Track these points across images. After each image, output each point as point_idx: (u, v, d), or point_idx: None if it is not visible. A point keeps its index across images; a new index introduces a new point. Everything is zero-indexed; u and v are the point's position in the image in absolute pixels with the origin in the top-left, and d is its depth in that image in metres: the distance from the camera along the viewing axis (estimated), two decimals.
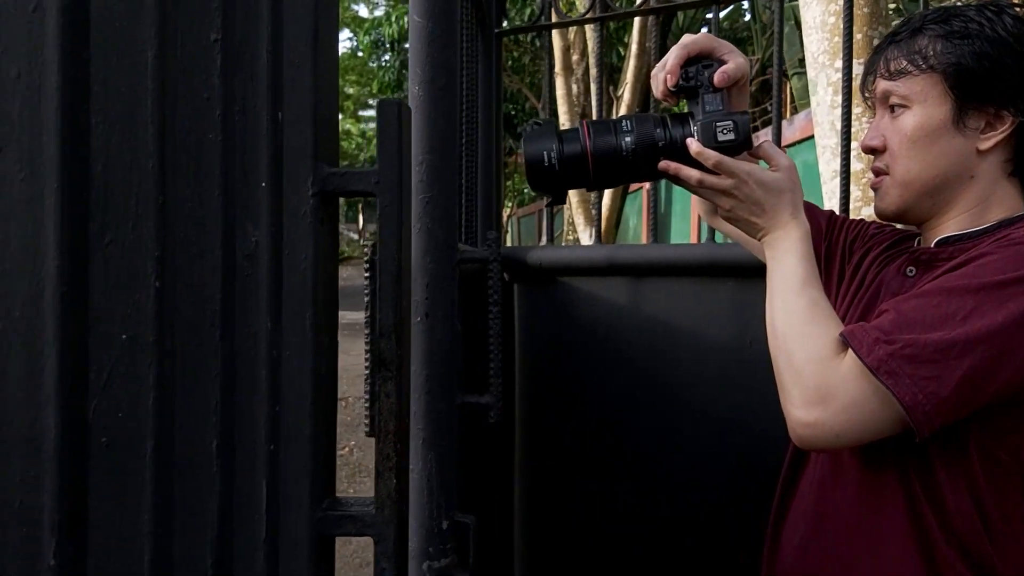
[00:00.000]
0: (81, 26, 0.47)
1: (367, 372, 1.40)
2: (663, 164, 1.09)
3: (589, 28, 9.80)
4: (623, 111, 9.91)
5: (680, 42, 1.12)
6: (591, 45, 10.45)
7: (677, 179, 1.09)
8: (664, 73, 1.12)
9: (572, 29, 10.46)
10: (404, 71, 15.97)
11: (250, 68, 0.59)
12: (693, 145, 1.07)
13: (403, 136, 0.76)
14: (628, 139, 1.10)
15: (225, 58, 0.54)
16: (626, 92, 10.38)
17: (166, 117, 0.50)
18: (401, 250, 0.75)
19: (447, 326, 1.19)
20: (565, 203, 1.34)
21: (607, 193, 9.60)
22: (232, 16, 0.56)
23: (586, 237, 10.07)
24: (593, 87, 9.73)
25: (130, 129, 0.50)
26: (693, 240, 9.68)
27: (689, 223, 10.50)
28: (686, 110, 1.12)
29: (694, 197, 1.22)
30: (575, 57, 11.40)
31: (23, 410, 0.47)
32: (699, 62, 1.12)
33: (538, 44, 13.49)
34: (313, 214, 0.74)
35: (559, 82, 10.48)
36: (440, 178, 1.15)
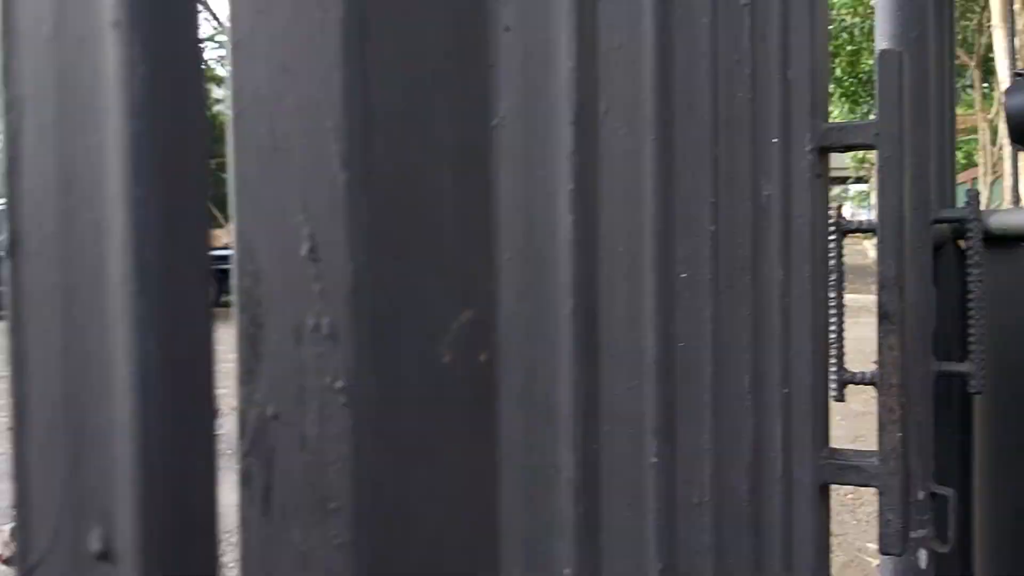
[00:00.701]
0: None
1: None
2: None
3: None
4: None
5: None
6: None
7: None
8: None
9: None
10: None
11: (762, 30, 0.63)
12: None
13: (903, 86, 0.75)
14: None
15: (753, 20, 0.58)
16: None
17: (718, 77, 0.55)
18: (903, 200, 0.74)
19: (922, 288, 1.14)
20: None
21: None
22: None
23: None
24: None
25: (688, 89, 0.55)
26: None
27: None
28: None
29: None
30: (1016, 7, 10.08)
31: (628, 330, 0.55)
32: None
33: None
34: (811, 169, 0.76)
35: (997, 35, 9.37)
36: (914, 133, 1.11)
